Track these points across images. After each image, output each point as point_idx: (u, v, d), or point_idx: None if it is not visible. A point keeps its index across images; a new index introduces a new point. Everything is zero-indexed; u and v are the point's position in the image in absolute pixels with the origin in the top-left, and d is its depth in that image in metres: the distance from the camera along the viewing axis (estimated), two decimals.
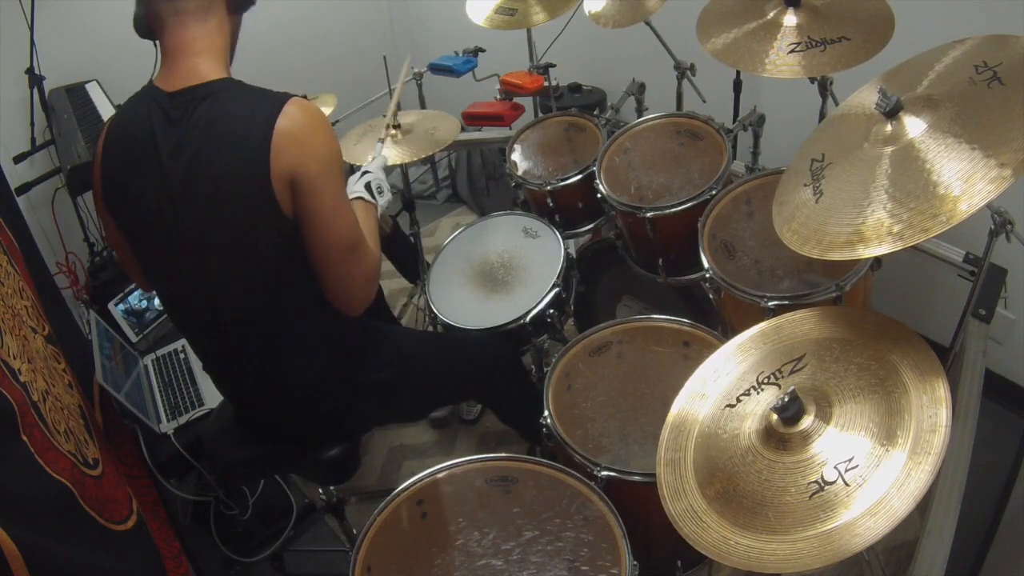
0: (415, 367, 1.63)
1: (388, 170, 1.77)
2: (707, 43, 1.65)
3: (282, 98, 1.23)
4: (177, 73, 1.25)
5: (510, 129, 2.55)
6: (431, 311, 1.93)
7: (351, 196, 1.50)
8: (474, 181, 3.56)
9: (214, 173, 1.22)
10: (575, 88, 3.03)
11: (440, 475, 1.35)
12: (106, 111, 2.53)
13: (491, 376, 1.76)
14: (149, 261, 1.40)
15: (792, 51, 1.53)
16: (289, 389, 1.47)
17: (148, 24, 1.27)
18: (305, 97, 1.27)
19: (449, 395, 1.96)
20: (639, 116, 2.16)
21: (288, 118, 1.20)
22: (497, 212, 2.14)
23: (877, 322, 1.09)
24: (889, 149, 1.07)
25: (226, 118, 1.22)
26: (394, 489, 1.32)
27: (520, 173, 2.15)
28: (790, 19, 1.58)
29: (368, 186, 1.54)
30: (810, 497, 0.93)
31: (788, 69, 1.52)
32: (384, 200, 1.56)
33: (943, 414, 0.92)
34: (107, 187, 1.34)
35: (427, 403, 1.86)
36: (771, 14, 1.61)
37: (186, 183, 1.24)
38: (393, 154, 2.04)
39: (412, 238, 2.41)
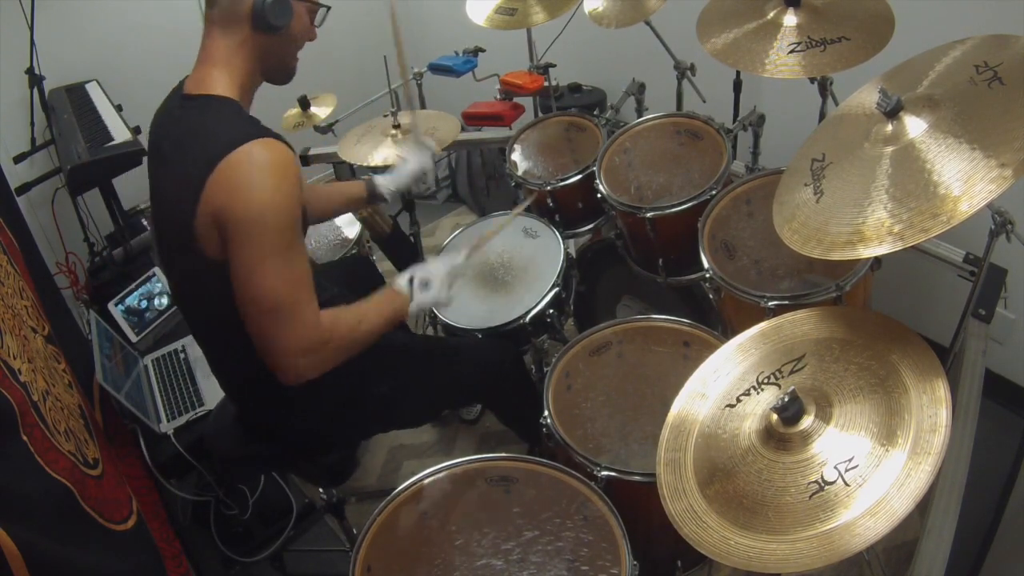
0: (416, 379, 1.61)
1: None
2: (707, 43, 1.65)
3: (251, 135, 1.17)
4: (196, 75, 1.29)
5: (510, 129, 2.54)
6: (431, 311, 1.92)
7: (394, 286, 1.45)
8: (474, 181, 3.56)
9: (168, 187, 1.27)
10: (575, 88, 3.02)
11: (440, 475, 1.35)
12: (106, 111, 2.53)
13: (492, 380, 1.75)
14: None
15: (792, 51, 1.53)
16: (290, 401, 1.46)
17: None
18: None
19: (450, 402, 1.96)
20: (639, 116, 2.16)
21: (239, 156, 1.15)
22: (497, 212, 2.14)
23: (877, 322, 1.09)
24: (889, 149, 1.07)
25: (195, 136, 1.22)
26: (394, 489, 1.32)
27: (520, 173, 2.15)
28: (790, 19, 1.58)
29: (411, 280, 1.45)
30: (810, 497, 0.93)
31: (788, 69, 1.52)
32: (428, 297, 1.44)
33: (943, 414, 0.92)
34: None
35: (428, 412, 1.86)
36: (771, 14, 1.61)
37: (158, 187, 1.32)
38: (393, 154, 2.04)
39: (412, 238, 2.40)
